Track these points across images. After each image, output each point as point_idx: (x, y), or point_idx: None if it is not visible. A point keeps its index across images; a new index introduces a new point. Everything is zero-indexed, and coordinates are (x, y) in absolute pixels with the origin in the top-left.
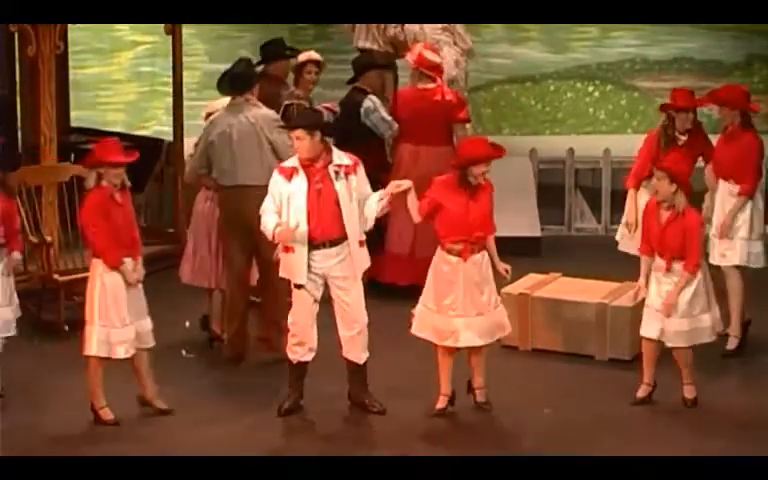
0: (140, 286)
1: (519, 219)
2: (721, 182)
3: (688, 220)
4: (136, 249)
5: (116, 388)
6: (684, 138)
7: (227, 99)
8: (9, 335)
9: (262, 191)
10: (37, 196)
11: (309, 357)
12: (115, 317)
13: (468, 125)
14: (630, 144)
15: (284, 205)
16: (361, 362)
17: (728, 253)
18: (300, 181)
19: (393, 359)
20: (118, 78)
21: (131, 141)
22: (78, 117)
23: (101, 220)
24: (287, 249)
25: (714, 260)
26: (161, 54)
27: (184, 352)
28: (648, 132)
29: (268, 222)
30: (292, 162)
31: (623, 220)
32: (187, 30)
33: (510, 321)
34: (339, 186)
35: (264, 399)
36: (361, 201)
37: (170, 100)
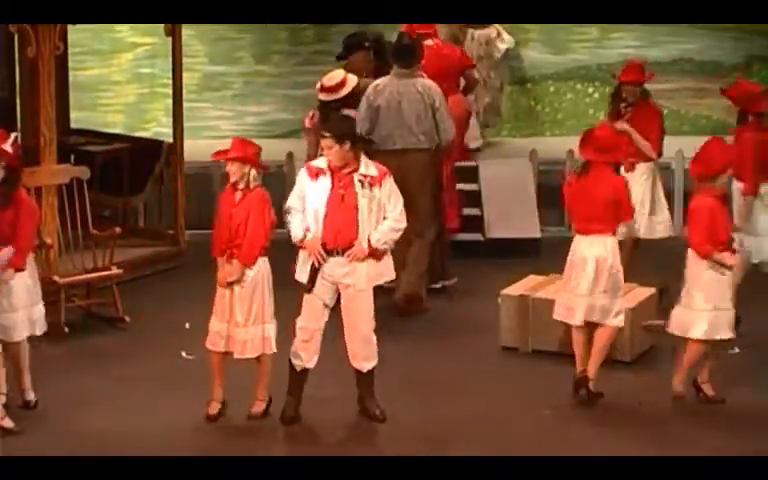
0: (257, 291)
1: (519, 220)
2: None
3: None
4: (240, 251)
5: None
6: (624, 106)
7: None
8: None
9: (420, 154)
10: (37, 198)
11: (311, 364)
12: (217, 311)
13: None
14: None
15: (305, 203)
16: (363, 370)
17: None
18: (325, 183)
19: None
20: (118, 79)
21: (131, 142)
22: (78, 118)
23: (216, 216)
24: (301, 246)
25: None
26: (161, 55)
27: (184, 353)
28: None
29: (294, 224)
30: (320, 162)
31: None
32: (187, 31)
33: (510, 322)
34: (362, 196)
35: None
36: (382, 212)
37: (170, 101)
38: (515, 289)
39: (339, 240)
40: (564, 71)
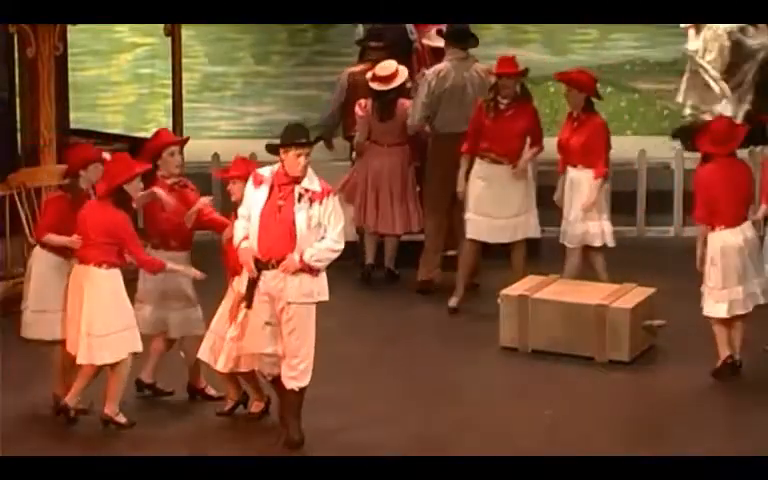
0: None
1: None
2: (569, 168)
3: None
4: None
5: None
6: (506, 101)
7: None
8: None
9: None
10: (37, 198)
11: (274, 371)
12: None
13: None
14: (630, 146)
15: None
16: (287, 387)
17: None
18: (263, 193)
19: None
20: (117, 80)
21: (131, 143)
22: (77, 119)
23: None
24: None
25: (573, 243)
26: (160, 56)
27: (183, 353)
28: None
29: (238, 230)
30: (265, 171)
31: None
32: (186, 32)
33: (510, 322)
34: (299, 209)
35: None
36: (322, 230)
37: (170, 102)
38: (515, 289)
39: (273, 253)
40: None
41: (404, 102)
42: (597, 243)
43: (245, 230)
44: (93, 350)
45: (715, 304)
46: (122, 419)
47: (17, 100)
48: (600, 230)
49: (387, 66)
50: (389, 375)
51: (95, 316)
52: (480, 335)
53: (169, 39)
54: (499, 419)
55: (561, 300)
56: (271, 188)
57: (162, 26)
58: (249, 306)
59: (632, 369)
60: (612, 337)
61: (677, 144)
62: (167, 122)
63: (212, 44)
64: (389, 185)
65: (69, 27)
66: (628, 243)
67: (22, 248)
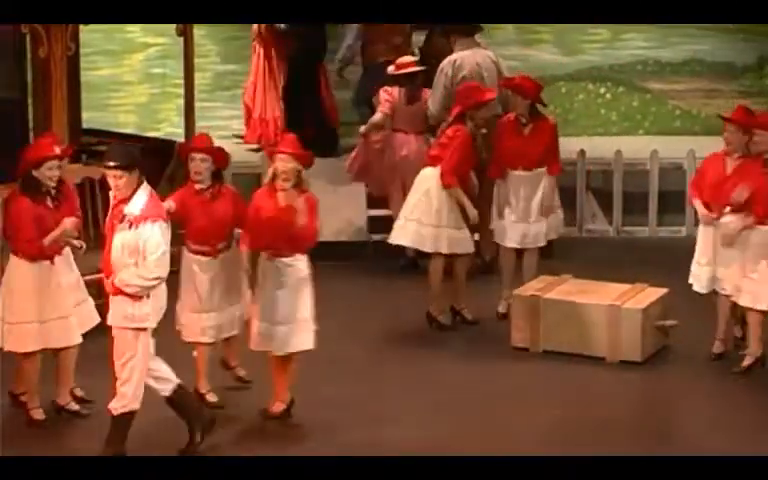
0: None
1: None
2: (521, 172)
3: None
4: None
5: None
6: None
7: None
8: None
9: (494, 119)
10: None
11: (135, 406)
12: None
13: None
14: (642, 146)
15: None
16: (110, 410)
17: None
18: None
19: None
20: (129, 80)
21: (143, 143)
22: (90, 119)
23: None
24: None
25: (540, 241)
26: (172, 56)
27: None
28: (460, 133)
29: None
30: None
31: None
32: (198, 31)
33: (521, 323)
34: (118, 231)
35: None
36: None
37: (182, 101)
38: (527, 289)
39: (106, 275)
40: (575, 72)
41: (426, 90)
42: (542, 241)
43: None
44: (5, 336)
45: None
46: (40, 415)
47: (30, 100)
48: (553, 226)
49: (407, 58)
50: (396, 374)
51: (5, 303)
52: (491, 335)
53: (181, 39)
54: (509, 419)
55: (573, 300)
56: (113, 208)
57: (174, 26)
58: None
59: (644, 370)
60: (624, 338)
61: None
62: (179, 122)
63: (224, 43)
64: (416, 172)
65: (81, 27)
66: (640, 243)
67: None
